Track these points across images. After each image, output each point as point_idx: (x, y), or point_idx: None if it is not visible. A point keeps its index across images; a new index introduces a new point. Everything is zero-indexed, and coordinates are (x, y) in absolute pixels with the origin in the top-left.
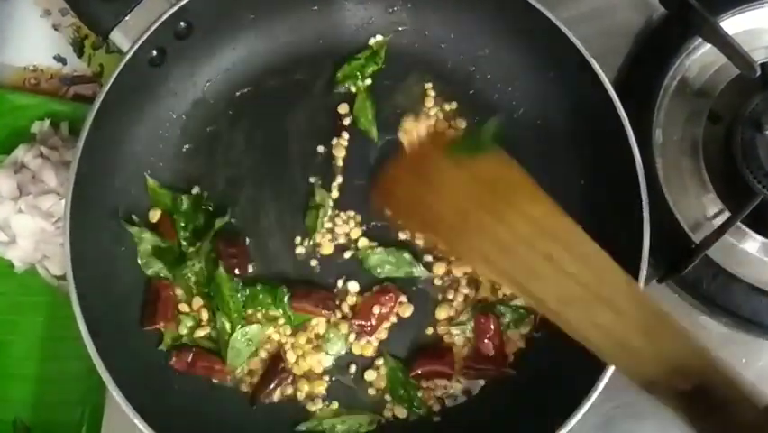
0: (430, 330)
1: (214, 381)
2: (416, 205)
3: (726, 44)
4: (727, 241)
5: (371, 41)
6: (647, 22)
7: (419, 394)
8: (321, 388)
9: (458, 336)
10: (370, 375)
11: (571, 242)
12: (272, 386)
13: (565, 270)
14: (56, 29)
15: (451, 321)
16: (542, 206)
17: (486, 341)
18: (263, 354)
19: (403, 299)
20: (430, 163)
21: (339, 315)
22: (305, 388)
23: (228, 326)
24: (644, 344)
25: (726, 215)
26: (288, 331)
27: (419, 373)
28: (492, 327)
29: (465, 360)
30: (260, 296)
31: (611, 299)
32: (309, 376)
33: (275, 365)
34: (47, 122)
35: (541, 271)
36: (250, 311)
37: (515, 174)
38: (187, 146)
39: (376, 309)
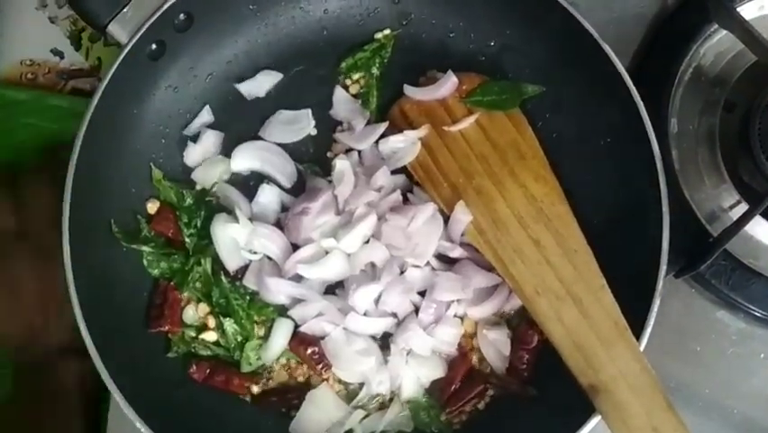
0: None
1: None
2: (425, 155)
3: (743, 30)
4: (745, 233)
5: (379, 35)
6: (661, 7)
7: (442, 418)
8: None
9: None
10: (392, 411)
11: (562, 233)
12: (281, 404)
13: (548, 259)
14: (52, 21)
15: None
16: (545, 186)
17: (521, 353)
18: (290, 378)
19: None
20: (449, 110)
21: (331, 379)
22: None
23: (239, 331)
24: (598, 352)
25: (743, 206)
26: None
27: (454, 408)
28: (536, 339)
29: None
30: (259, 305)
31: (581, 299)
32: None
33: (294, 394)
34: None
35: (526, 253)
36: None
37: (528, 144)
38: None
39: None
